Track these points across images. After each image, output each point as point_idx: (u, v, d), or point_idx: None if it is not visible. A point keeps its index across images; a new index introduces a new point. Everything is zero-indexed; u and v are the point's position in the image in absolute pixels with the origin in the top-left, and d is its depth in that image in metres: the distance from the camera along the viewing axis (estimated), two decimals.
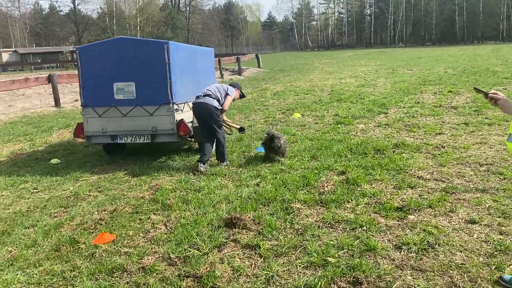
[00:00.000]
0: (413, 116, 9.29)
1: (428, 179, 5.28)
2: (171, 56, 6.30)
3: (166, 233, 4.11)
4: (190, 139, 7.05)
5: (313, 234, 3.91)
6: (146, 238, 4.05)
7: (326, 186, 5.20)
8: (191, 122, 6.98)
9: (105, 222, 4.49)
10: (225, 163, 6.35)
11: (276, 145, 6.25)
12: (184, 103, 6.76)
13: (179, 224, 4.29)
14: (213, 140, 6.31)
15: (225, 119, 6.85)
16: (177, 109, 6.47)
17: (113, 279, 3.33)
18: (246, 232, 4.04)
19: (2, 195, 5.63)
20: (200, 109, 6.17)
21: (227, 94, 6.38)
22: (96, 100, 6.56)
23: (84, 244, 3.99)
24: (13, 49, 61.70)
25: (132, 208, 4.85)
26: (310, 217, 4.34)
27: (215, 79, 8.32)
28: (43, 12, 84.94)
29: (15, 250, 3.95)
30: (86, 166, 6.90)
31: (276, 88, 17.43)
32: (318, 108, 11.33)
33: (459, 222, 4.05)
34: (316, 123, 9.39)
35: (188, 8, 69.24)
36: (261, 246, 3.70)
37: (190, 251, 3.66)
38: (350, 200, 4.71)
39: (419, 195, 4.77)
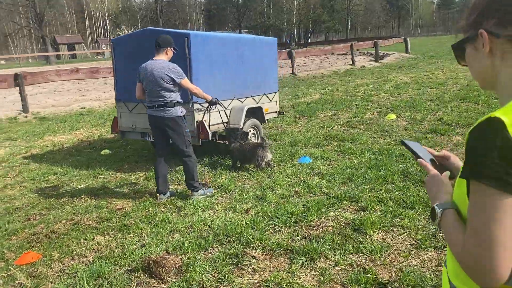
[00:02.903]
0: None
1: None
2: (193, 50, 5.58)
3: (84, 264, 3.53)
4: (222, 142, 6.33)
5: None
6: (63, 266, 3.53)
7: (321, 227, 3.94)
8: (226, 122, 6.22)
9: (55, 236, 4.11)
10: (201, 191, 4.86)
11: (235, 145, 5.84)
12: None
13: (107, 254, 3.65)
14: (166, 167, 5.05)
15: (195, 91, 4.92)
16: (199, 109, 5.76)
17: None
18: (157, 284, 3.19)
19: (22, 185, 5.78)
20: (157, 123, 4.80)
21: (176, 81, 4.68)
22: (127, 94, 6.26)
23: (6, 262, 3.67)
24: None
25: (97, 222, 4.39)
26: (255, 274, 3.25)
27: (275, 72, 7.31)
28: None
29: None
30: (124, 161, 6.73)
31: (404, 79, 15.22)
32: (427, 108, 9.31)
33: None
34: (405, 129, 7.64)
35: None
36: None
37: None
38: (330, 256, 3.42)
39: (436, 265, 3.21)
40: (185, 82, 4.79)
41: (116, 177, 5.93)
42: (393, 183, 4.96)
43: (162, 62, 4.73)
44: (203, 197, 4.84)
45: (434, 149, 1.40)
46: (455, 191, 1.12)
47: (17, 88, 11.01)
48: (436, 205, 1.13)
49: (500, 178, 0.90)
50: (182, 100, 4.92)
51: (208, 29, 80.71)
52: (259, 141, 6.48)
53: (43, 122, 10.47)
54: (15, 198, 5.31)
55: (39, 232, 4.23)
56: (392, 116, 8.78)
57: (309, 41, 61.44)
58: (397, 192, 4.66)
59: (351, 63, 21.34)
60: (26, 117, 10.95)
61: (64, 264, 3.59)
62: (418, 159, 1.33)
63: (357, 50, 29.80)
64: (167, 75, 4.65)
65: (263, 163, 5.77)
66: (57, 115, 11.32)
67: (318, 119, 9.09)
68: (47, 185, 5.75)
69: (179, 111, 4.79)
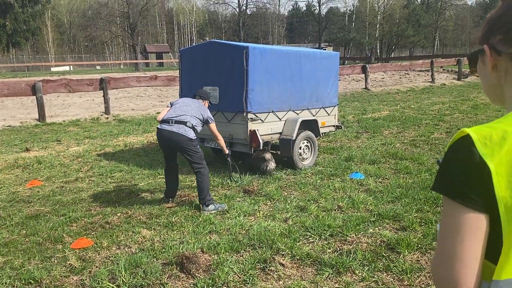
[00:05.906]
0: None
1: None
2: (251, 62, 5.82)
3: (127, 254, 3.85)
4: (275, 152, 6.47)
5: None
6: (109, 253, 3.88)
7: (355, 243, 3.92)
8: (279, 133, 6.37)
9: (109, 226, 4.50)
10: (212, 206, 4.84)
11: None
12: (268, 112, 6.18)
13: (148, 247, 3.95)
14: (177, 175, 5.33)
15: (219, 138, 5.32)
16: (252, 118, 5.97)
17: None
18: (186, 279, 3.40)
19: (91, 179, 6.36)
20: (167, 138, 4.86)
21: (207, 121, 5.10)
22: None
23: (64, 245, 4.10)
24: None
25: (147, 217, 4.74)
26: (279, 281, 3.34)
27: (336, 85, 7.31)
28: (301, 11, 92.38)
29: (11, 235, 4.37)
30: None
31: (485, 99, 14.32)
32: None
33: None
34: None
35: (440, 4, 63.21)
36: None
37: (104, 284, 3.31)
38: (358, 272, 3.41)
39: None
40: (213, 126, 5.20)
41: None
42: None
43: (202, 105, 5.22)
44: (214, 212, 4.82)
45: None
46: None
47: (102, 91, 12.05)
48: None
49: (461, 192, 0.88)
50: (196, 130, 5.03)
51: (289, 42, 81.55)
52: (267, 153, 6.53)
53: (120, 123, 11.34)
54: (83, 190, 5.87)
55: (96, 222, 4.66)
56: None
57: (392, 55, 59.64)
58: None
59: (430, 80, 20.47)
60: (107, 118, 11.94)
61: (110, 251, 3.93)
62: None
63: (441, 67, 28.48)
64: (201, 114, 5.06)
65: (267, 169, 6.09)
66: (134, 118, 12.19)
67: (382, 136, 8.91)
68: (112, 180, 6.26)
69: (192, 134, 4.90)
